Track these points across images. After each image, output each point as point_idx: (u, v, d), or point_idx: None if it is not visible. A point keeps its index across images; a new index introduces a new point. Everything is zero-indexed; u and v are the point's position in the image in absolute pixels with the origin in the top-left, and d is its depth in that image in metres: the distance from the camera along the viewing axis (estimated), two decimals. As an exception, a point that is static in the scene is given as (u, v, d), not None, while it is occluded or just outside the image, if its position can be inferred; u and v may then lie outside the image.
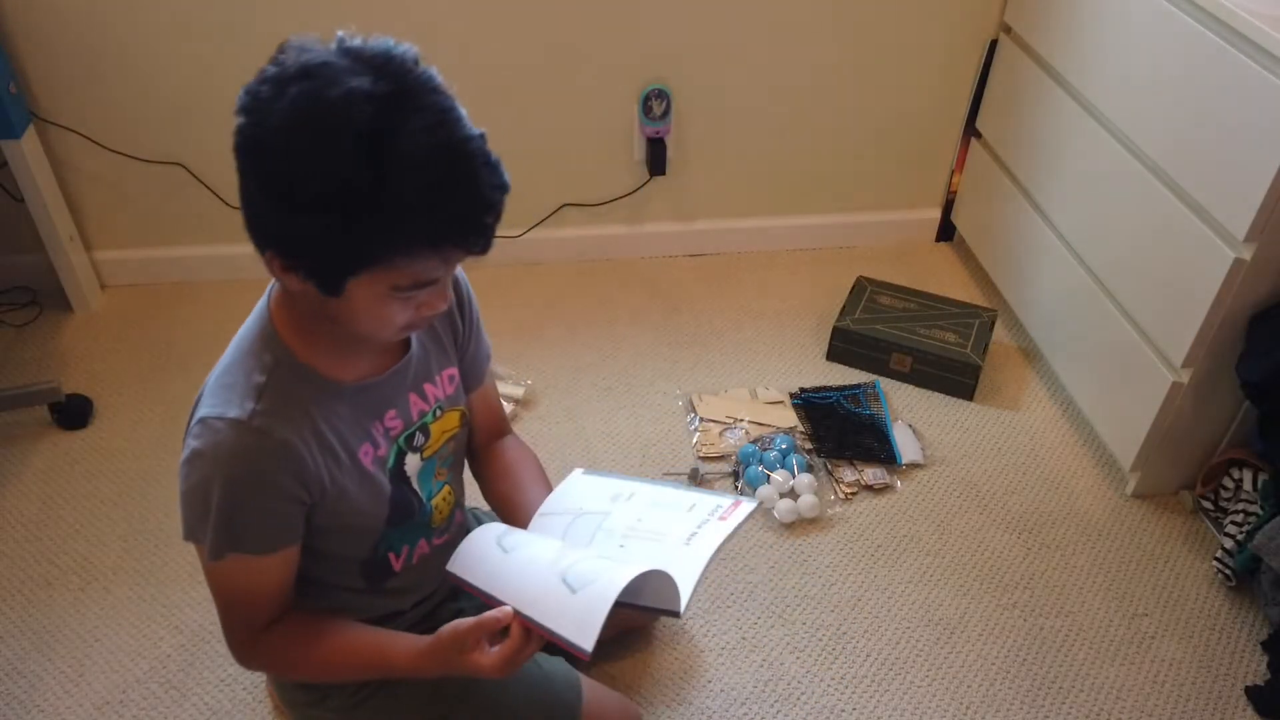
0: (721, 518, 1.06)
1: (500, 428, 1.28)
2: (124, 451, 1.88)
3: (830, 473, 1.87)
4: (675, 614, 0.97)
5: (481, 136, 0.86)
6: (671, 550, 1.02)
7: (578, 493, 1.14)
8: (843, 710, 1.49)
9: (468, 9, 2.04)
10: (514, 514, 1.17)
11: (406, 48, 0.85)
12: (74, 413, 1.92)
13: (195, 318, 2.17)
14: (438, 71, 0.86)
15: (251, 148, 0.83)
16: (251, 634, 1.02)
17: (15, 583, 1.65)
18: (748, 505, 1.08)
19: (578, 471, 1.19)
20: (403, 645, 1.01)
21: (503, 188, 0.87)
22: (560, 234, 2.39)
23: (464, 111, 0.86)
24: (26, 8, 1.93)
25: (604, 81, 2.19)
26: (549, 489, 1.19)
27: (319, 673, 1.09)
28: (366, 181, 0.80)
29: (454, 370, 1.14)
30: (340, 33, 0.86)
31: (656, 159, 2.28)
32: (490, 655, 0.94)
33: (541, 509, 1.13)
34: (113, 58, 2.01)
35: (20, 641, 1.56)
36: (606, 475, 1.18)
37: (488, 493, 1.25)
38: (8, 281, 2.25)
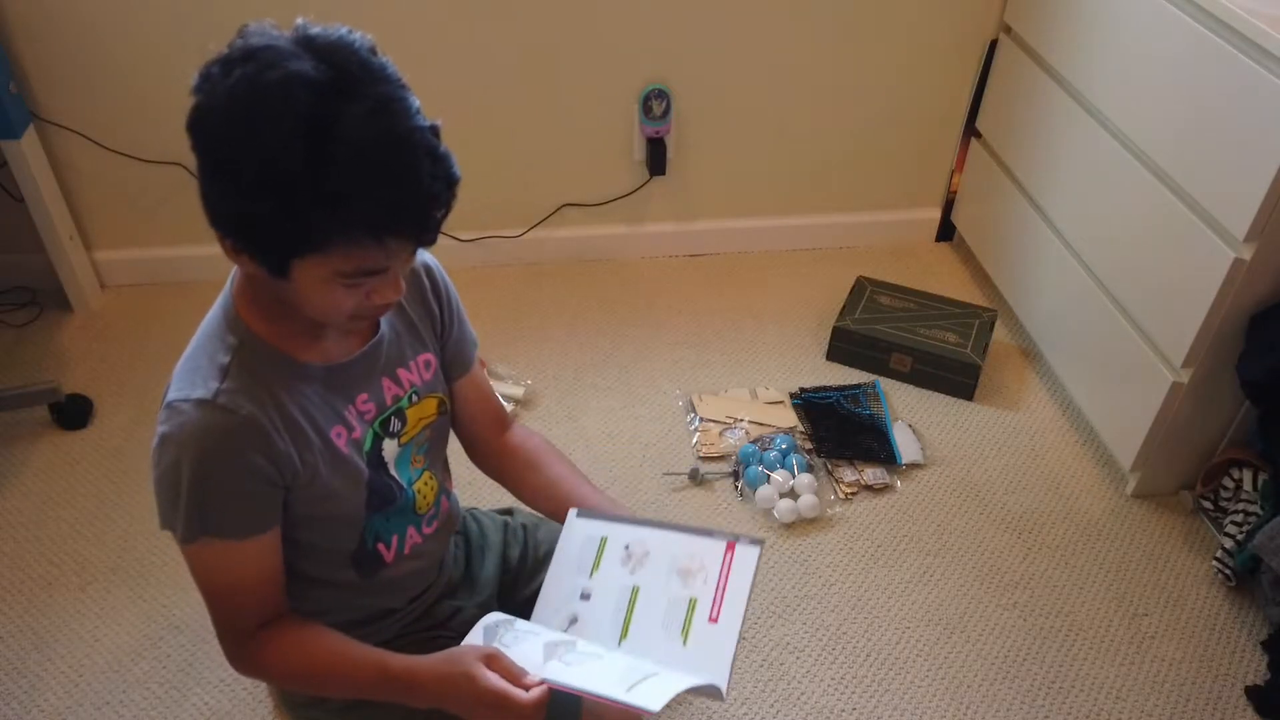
0: (728, 572, 1.03)
1: (504, 419, 1.26)
2: (124, 451, 1.88)
3: (830, 473, 1.87)
4: (719, 694, 0.95)
5: (431, 128, 0.85)
6: (703, 637, 1.00)
7: (581, 546, 1.11)
8: (843, 710, 1.49)
9: (468, 9, 2.04)
10: (559, 505, 1.15)
11: (360, 36, 0.84)
12: (74, 413, 1.92)
13: (195, 318, 2.16)
14: (391, 61, 0.85)
15: (198, 128, 0.83)
16: (243, 634, 1.01)
17: (15, 583, 1.65)
18: (748, 551, 1.04)
19: (572, 514, 1.14)
20: (400, 658, 0.99)
21: (449, 179, 0.85)
22: (560, 234, 2.39)
23: (415, 102, 0.85)
24: (26, 8, 1.93)
25: (604, 81, 2.19)
26: (578, 472, 1.19)
27: (308, 685, 1.07)
28: (303, 166, 0.79)
29: (430, 356, 1.13)
30: (299, 19, 0.85)
31: (656, 159, 2.27)
32: (492, 683, 0.90)
33: (551, 572, 1.10)
34: (113, 58, 2.01)
35: (20, 641, 1.56)
36: (602, 519, 1.13)
37: (521, 489, 1.22)
38: (8, 281, 2.25)
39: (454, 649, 0.97)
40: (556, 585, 1.09)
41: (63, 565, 1.67)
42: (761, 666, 1.55)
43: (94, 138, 2.09)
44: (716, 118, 2.27)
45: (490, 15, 2.05)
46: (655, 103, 2.20)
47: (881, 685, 1.53)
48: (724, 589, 1.02)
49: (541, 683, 0.91)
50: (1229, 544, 1.64)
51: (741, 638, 0.98)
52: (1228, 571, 1.64)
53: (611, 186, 2.35)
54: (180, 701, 1.48)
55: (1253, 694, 1.51)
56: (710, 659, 0.97)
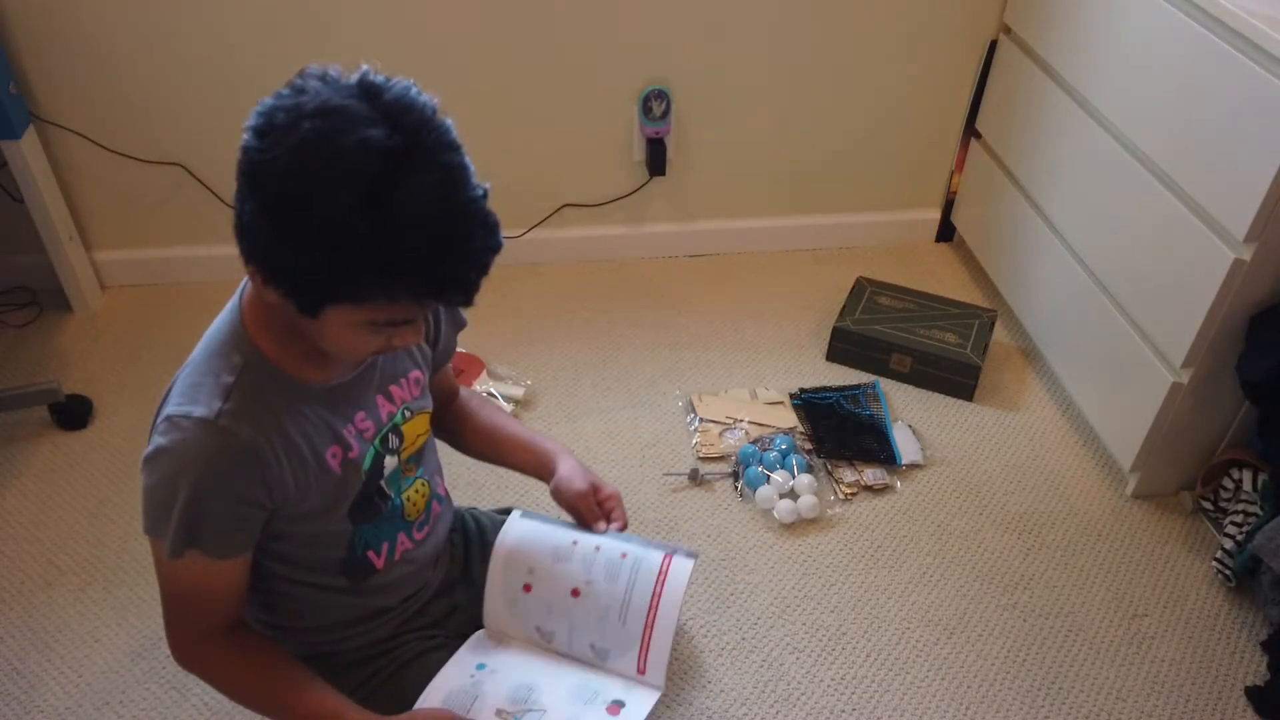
0: (663, 584, 1.11)
1: (455, 391, 1.33)
2: (124, 451, 1.88)
3: (830, 473, 1.87)
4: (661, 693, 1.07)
5: (484, 195, 0.87)
6: (633, 633, 1.10)
7: (523, 545, 1.17)
8: (843, 710, 1.49)
9: (468, 9, 2.04)
10: (496, 446, 1.27)
11: (427, 99, 0.86)
12: (74, 413, 1.92)
13: (195, 318, 2.15)
14: (453, 125, 0.86)
15: (256, 172, 0.83)
16: (197, 635, 1.03)
17: (15, 583, 1.65)
18: (683, 562, 1.13)
19: (516, 514, 1.21)
20: (362, 715, 1.04)
21: (495, 248, 0.88)
22: (560, 234, 2.39)
23: (472, 168, 0.87)
24: (26, 8, 1.93)
25: (604, 81, 2.19)
26: (503, 413, 1.32)
27: (256, 705, 1.09)
28: (364, 229, 0.80)
29: (420, 374, 1.15)
30: (365, 66, 0.86)
31: (656, 159, 2.27)
32: None
33: (494, 561, 1.17)
34: (113, 58, 2.01)
35: (20, 641, 1.56)
36: (545, 521, 1.20)
37: (465, 443, 1.30)
38: (8, 281, 2.25)
39: (412, 714, 1.04)
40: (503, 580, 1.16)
41: (63, 565, 1.67)
42: (761, 666, 1.55)
43: (94, 138, 2.09)
44: (716, 118, 2.27)
45: (490, 15, 2.05)
46: (655, 103, 2.20)
47: (881, 685, 1.53)
48: (659, 595, 1.11)
49: None
50: (1229, 544, 1.64)
51: (676, 637, 1.11)
52: (1228, 572, 1.64)
53: (611, 186, 2.35)
54: (180, 702, 1.48)
55: (1253, 694, 1.51)
56: (653, 651, 1.09)
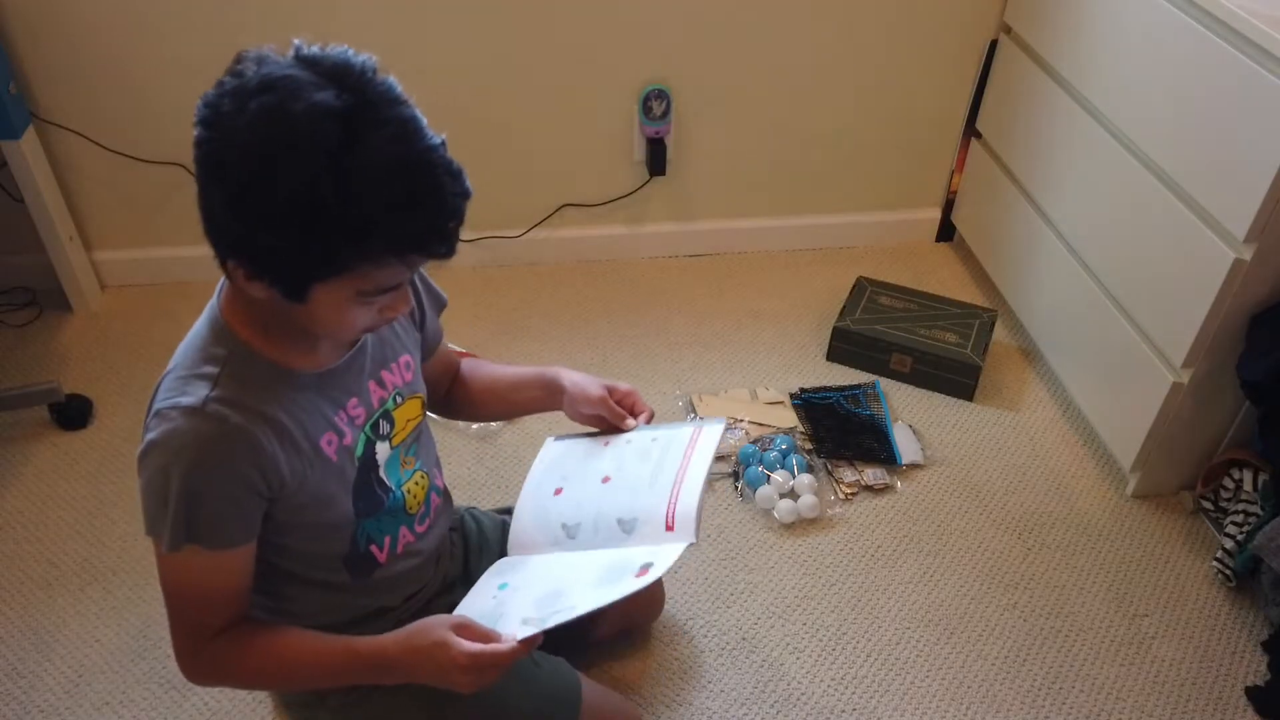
0: (693, 448, 1.14)
1: (455, 368, 1.33)
2: (124, 451, 1.88)
3: (830, 473, 1.87)
4: (692, 543, 1.05)
5: (443, 145, 0.87)
6: (661, 493, 1.10)
7: (558, 460, 1.23)
8: (843, 710, 1.49)
9: (468, 9, 2.04)
10: (501, 397, 1.29)
11: (365, 58, 0.85)
12: (74, 413, 1.92)
13: (196, 317, 2.16)
14: (396, 81, 0.86)
15: (213, 162, 0.83)
16: (200, 642, 1.01)
17: (15, 583, 1.65)
18: (712, 428, 1.15)
19: (550, 440, 1.26)
20: (367, 638, 1.02)
21: (465, 195, 0.88)
22: (560, 234, 2.39)
23: (424, 120, 0.86)
24: (27, 8, 1.93)
25: (604, 81, 2.19)
26: (499, 366, 1.32)
27: (271, 678, 1.07)
28: (331, 195, 0.80)
29: (410, 358, 1.15)
30: (296, 41, 0.86)
31: (656, 159, 2.27)
32: (466, 647, 0.95)
33: (529, 479, 1.21)
34: (113, 58, 2.01)
35: (20, 641, 1.56)
36: (577, 439, 1.24)
37: (476, 409, 1.31)
38: (8, 281, 2.25)
39: (420, 621, 1.00)
40: (535, 492, 1.20)
41: (63, 565, 1.67)
42: (762, 666, 1.55)
43: (94, 138, 2.09)
44: (716, 118, 2.27)
45: (490, 15, 2.05)
46: (655, 103, 2.20)
47: (882, 685, 1.53)
48: (689, 455, 1.13)
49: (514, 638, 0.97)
50: (1229, 544, 1.64)
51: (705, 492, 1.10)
52: (1228, 572, 1.64)
53: (611, 186, 2.35)
54: (180, 702, 1.48)
55: (1253, 694, 1.52)
56: (681, 502, 1.09)
